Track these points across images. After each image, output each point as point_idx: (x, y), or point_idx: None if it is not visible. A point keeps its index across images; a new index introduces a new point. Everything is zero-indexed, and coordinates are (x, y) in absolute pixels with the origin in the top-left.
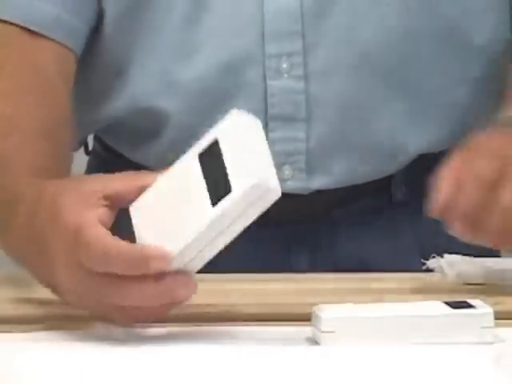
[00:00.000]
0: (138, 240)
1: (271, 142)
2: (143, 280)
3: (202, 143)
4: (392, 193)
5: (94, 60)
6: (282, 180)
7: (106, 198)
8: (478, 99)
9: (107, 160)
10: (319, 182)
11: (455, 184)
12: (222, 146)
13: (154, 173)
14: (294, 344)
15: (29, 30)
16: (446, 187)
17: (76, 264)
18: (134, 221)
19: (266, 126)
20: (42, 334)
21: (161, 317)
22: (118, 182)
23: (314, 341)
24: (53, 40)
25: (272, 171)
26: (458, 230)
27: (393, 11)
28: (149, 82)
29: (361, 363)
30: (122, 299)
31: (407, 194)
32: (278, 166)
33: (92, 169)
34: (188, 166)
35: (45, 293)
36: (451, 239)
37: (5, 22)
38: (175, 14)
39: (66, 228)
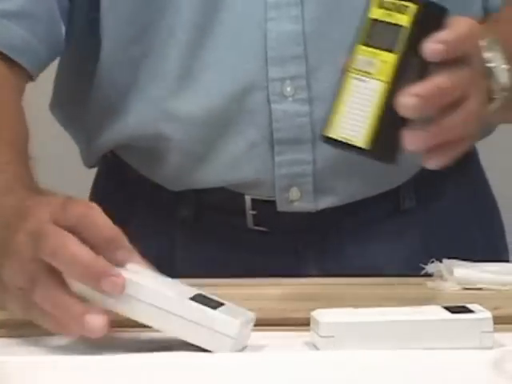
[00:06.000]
0: None
1: (278, 166)
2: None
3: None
4: (400, 200)
5: (96, 82)
6: (289, 201)
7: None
8: None
9: (119, 165)
10: (326, 202)
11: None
12: None
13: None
14: (292, 349)
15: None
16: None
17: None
18: None
19: (272, 150)
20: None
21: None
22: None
23: (312, 345)
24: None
25: None
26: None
27: None
28: (150, 109)
29: (360, 368)
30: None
31: (415, 200)
32: (286, 188)
33: (102, 174)
34: None
35: None
36: (459, 244)
37: None
38: (178, 41)
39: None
